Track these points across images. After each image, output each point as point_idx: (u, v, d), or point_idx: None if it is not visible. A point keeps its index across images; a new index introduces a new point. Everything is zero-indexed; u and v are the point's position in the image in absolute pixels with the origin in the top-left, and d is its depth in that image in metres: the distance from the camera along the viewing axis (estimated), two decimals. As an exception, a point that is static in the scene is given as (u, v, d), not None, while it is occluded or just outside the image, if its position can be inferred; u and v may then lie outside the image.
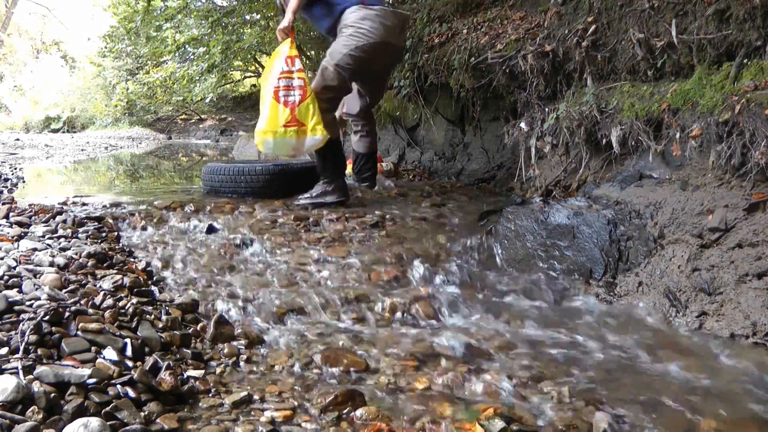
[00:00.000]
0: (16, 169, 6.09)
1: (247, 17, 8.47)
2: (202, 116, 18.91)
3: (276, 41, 3.63)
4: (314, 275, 2.45)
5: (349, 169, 3.89)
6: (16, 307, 1.71)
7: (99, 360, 1.54)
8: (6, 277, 1.94)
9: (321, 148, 3.23)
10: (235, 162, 4.14)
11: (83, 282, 2.05)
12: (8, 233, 2.49)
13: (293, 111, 3.10)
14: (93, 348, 1.59)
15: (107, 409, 1.36)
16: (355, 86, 3.60)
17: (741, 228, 2.20)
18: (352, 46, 3.24)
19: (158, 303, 2.05)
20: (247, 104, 18.79)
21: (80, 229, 2.67)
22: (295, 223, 2.94)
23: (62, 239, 2.50)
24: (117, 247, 2.58)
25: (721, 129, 2.39)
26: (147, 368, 1.54)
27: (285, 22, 3.27)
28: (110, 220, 2.83)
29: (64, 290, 1.94)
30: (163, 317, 1.91)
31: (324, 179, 3.36)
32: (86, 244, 2.49)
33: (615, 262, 2.50)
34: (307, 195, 3.35)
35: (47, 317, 1.64)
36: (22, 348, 1.50)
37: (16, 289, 1.87)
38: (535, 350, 1.93)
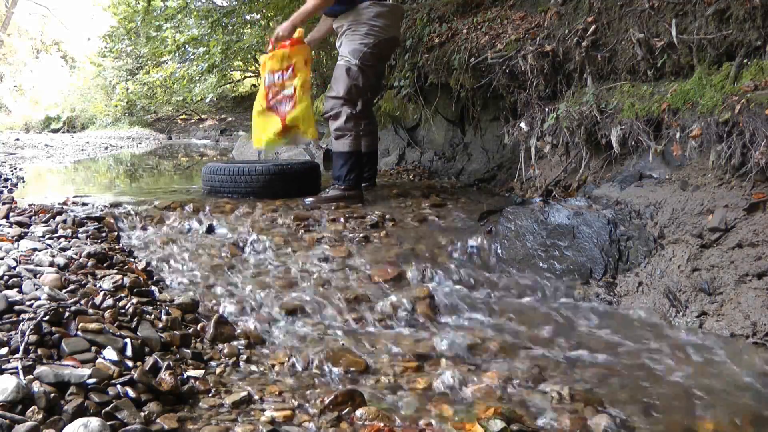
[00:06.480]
0: (16, 169, 6.09)
1: (247, 17, 8.48)
2: (202, 116, 18.91)
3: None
4: (314, 275, 2.45)
5: None
6: (16, 307, 1.71)
7: (99, 360, 1.54)
8: (6, 277, 1.94)
9: (348, 158, 3.40)
10: (235, 162, 4.14)
11: (83, 282, 2.06)
12: (8, 233, 2.49)
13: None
14: (93, 348, 1.60)
15: (107, 409, 1.36)
16: (340, 68, 3.49)
17: (741, 228, 2.20)
18: (370, 44, 3.34)
19: (158, 303, 2.05)
20: (247, 104, 18.72)
21: (80, 229, 2.67)
22: (295, 223, 2.94)
23: (62, 239, 2.50)
24: (117, 247, 2.58)
25: (721, 129, 2.39)
26: (147, 368, 1.54)
27: (287, 29, 3.42)
28: (110, 220, 2.84)
29: (64, 290, 1.94)
30: (163, 317, 1.91)
31: (341, 185, 3.41)
32: (86, 244, 2.49)
33: (615, 262, 2.50)
34: (314, 198, 3.39)
35: (47, 317, 1.64)
36: (22, 348, 1.50)
37: (16, 289, 1.87)
38: (535, 350, 1.93)
